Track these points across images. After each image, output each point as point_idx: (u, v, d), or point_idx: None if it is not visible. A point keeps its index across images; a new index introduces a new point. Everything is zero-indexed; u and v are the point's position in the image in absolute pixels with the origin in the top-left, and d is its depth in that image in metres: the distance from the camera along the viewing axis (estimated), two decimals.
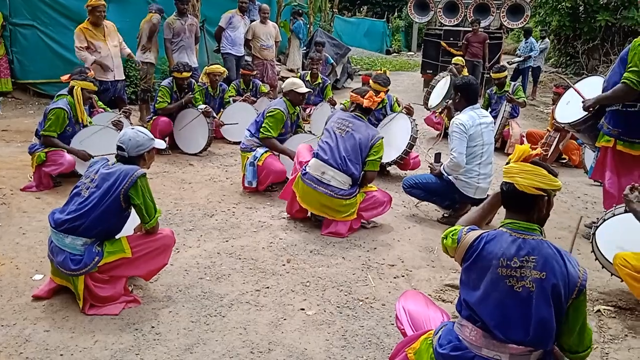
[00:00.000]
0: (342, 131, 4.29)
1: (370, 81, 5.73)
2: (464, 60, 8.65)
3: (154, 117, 6.42)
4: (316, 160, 4.30)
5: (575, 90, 4.38)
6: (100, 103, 5.92)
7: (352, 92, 4.59)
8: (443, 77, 7.91)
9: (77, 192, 3.03)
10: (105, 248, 2.94)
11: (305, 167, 4.36)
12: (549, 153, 6.53)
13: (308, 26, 14.59)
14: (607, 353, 2.84)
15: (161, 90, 6.35)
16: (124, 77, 7.00)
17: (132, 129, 3.12)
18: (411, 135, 5.53)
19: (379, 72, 5.95)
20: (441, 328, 2.27)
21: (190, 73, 6.54)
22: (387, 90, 5.85)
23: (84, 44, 6.37)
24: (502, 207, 2.32)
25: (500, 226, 2.19)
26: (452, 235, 2.27)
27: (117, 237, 3.05)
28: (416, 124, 5.71)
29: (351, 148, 4.20)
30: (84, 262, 2.87)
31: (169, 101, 6.36)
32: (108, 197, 2.90)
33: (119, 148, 3.07)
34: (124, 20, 7.91)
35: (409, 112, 5.76)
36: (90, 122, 5.29)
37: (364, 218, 4.40)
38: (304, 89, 5.13)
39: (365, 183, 4.34)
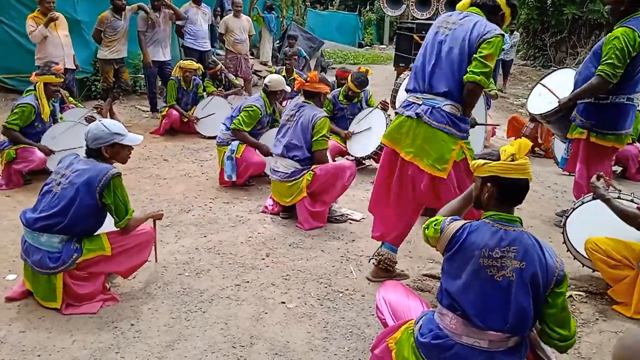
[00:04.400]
0: (290, 122, 4.40)
1: (349, 78, 5.76)
2: None
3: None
4: (273, 156, 4.60)
5: (550, 90, 4.44)
6: (72, 99, 5.82)
7: (296, 76, 4.76)
8: (405, 78, 7.96)
9: (48, 189, 2.96)
10: (85, 245, 2.90)
11: None
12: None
13: (281, 20, 14.52)
14: (579, 337, 2.92)
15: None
16: (74, 67, 6.84)
17: (100, 121, 3.06)
18: (387, 126, 5.57)
19: (361, 69, 5.95)
20: (422, 317, 2.31)
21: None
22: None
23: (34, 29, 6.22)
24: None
25: (483, 218, 2.23)
26: (435, 225, 2.31)
27: (96, 233, 3.00)
28: (391, 120, 5.75)
29: (294, 133, 4.32)
30: (62, 260, 2.83)
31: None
32: (82, 194, 2.85)
33: (85, 138, 3.02)
34: (95, 14, 7.68)
35: (385, 107, 5.81)
36: (61, 118, 5.19)
37: (327, 201, 4.35)
38: (287, 88, 5.31)
39: (317, 163, 4.34)
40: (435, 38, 3.12)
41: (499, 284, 2.10)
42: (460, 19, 3.11)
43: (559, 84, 4.46)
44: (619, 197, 3.28)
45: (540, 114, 4.49)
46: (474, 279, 2.14)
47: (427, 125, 3.05)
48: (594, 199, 3.33)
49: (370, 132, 5.71)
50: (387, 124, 5.61)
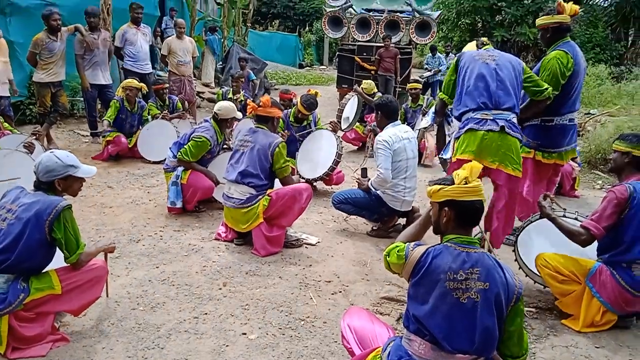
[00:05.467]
0: (244, 147, 4.35)
1: (298, 101, 5.81)
2: (373, 85, 8.59)
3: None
4: (225, 181, 4.49)
5: None
6: (7, 124, 5.53)
7: (248, 101, 4.72)
8: (349, 98, 8.15)
9: None
10: (32, 284, 2.73)
11: None
12: None
13: (222, 41, 14.47)
14: (534, 353, 3.03)
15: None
16: (8, 95, 6.55)
17: (51, 152, 2.92)
18: (336, 152, 5.65)
19: (310, 92, 6.01)
20: (389, 344, 2.33)
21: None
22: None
23: None
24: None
25: (445, 241, 2.29)
26: (398, 252, 2.35)
27: (45, 270, 2.84)
28: (341, 141, 5.84)
29: (250, 160, 4.26)
30: (8, 301, 2.65)
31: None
32: (31, 229, 2.70)
33: (35, 171, 2.87)
34: (28, 34, 7.37)
35: (334, 129, 5.88)
36: None
37: (285, 224, 4.32)
38: (239, 114, 5.20)
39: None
40: (488, 66, 3.80)
41: (465, 305, 2.16)
42: (493, 53, 3.92)
43: None
44: (564, 216, 3.45)
45: None
46: (441, 303, 2.19)
47: (509, 136, 3.67)
48: (541, 217, 3.49)
49: (319, 154, 5.76)
50: (336, 145, 5.68)
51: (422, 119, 7.68)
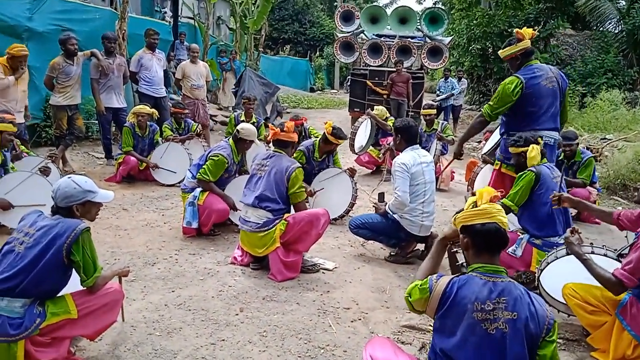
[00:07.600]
0: (262, 171, 4.32)
1: (327, 134, 5.67)
2: (385, 110, 8.56)
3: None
4: (241, 204, 4.49)
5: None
6: (23, 147, 5.54)
7: (270, 126, 4.68)
8: (362, 122, 8.14)
9: (10, 248, 2.74)
10: (48, 308, 2.67)
11: None
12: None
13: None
14: None
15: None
16: (23, 121, 6.46)
17: (69, 177, 2.90)
18: (352, 194, 5.70)
19: (329, 123, 5.88)
20: None
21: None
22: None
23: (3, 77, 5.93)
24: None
25: (470, 271, 2.23)
26: (421, 286, 2.28)
27: (60, 294, 2.79)
28: (357, 185, 5.81)
29: (267, 184, 4.23)
30: (25, 326, 2.58)
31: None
32: (49, 253, 2.66)
33: (53, 196, 2.84)
34: (44, 59, 7.47)
35: (352, 174, 5.80)
36: (13, 168, 4.92)
37: (301, 250, 4.26)
38: (259, 142, 5.27)
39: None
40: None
41: (494, 336, 2.09)
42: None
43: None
44: (592, 252, 3.31)
45: (484, 153, 5.50)
46: (470, 335, 2.11)
47: None
48: (568, 253, 3.36)
49: (335, 195, 5.64)
50: (352, 189, 5.64)
51: (437, 144, 7.64)
